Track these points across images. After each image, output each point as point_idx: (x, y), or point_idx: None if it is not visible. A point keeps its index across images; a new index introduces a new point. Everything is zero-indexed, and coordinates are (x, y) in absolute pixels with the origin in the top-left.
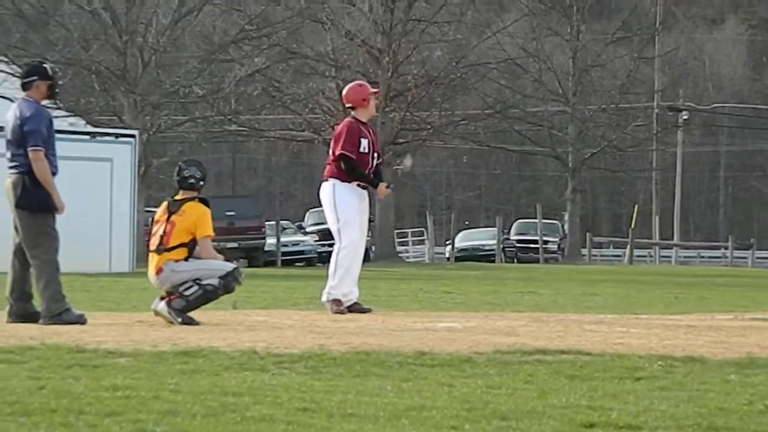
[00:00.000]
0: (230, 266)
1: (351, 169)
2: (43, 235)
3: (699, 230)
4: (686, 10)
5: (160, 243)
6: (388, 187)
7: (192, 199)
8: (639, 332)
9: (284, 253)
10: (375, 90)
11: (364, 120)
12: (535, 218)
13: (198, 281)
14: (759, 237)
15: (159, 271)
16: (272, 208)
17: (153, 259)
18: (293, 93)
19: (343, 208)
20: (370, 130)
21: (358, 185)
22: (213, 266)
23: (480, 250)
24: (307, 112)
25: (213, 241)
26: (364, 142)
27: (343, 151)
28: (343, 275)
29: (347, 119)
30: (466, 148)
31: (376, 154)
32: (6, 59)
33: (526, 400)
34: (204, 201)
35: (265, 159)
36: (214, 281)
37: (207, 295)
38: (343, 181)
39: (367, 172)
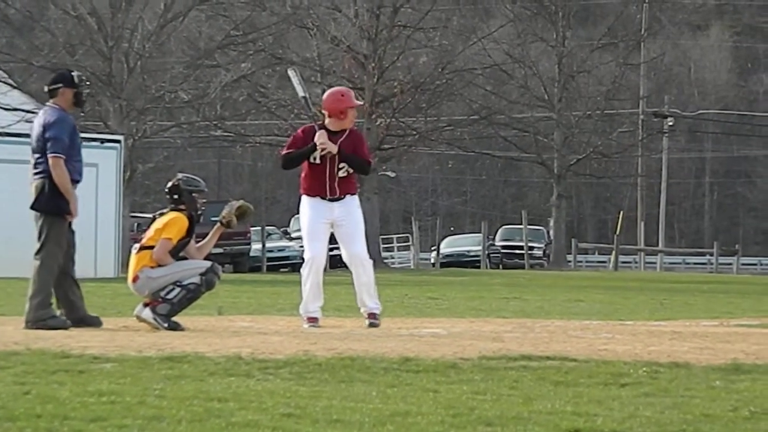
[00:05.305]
0: (207, 263)
1: (287, 162)
2: (51, 241)
3: (684, 236)
4: (672, 17)
5: (141, 242)
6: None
7: (177, 209)
8: (624, 338)
9: (269, 259)
10: (358, 102)
11: (335, 129)
12: (521, 224)
13: (178, 283)
14: (744, 243)
15: (135, 279)
16: (257, 214)
17: (132, 261)
18: (279, 98)
19: (302, 221)
20: (340, 139)
21: (321, 198)
22: (189, 266)
23: (465, 256)
24: (292, 118)
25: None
26: (315, 153)
27: (281, 152)
28: (302, 290)
29: (308, 125)
30: (451, 153)
31: (345, 165)
32: None
33: (511, 405)
34: (184, 212)
35: (251, 164)
36: (196, 279)
37: (190, 295)
38: (303, 194)
39: (326, 186)
